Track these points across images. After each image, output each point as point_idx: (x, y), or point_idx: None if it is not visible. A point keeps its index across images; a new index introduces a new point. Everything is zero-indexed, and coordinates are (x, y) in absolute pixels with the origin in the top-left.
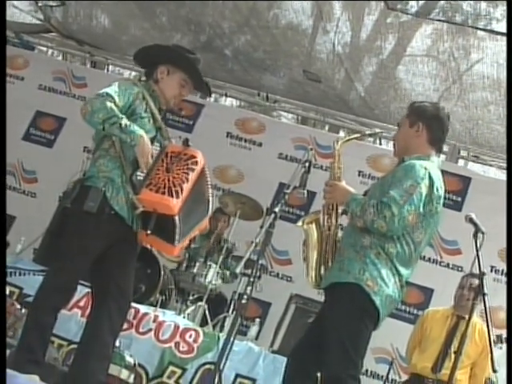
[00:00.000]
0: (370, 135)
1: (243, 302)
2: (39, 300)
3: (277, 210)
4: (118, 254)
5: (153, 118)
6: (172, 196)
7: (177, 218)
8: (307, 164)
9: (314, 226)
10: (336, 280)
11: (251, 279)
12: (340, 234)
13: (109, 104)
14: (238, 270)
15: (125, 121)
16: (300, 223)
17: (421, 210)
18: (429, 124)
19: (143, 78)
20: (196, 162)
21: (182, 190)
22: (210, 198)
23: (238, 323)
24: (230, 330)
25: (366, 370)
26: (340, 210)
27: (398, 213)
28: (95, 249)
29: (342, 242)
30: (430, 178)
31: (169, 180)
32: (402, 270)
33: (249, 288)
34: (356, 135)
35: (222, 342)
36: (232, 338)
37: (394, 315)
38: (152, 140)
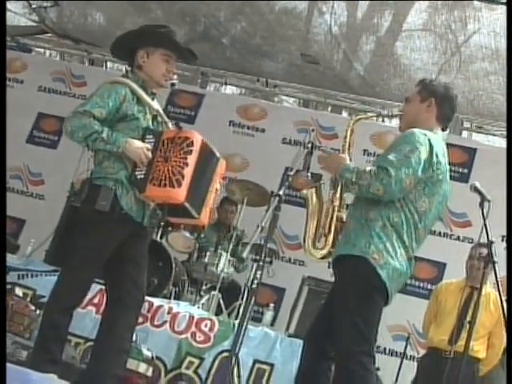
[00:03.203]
0: (386, 116)
1: (253, 286)
2: (54, 300)
3: (281, 192)
4: (131, 249)
5: (148, 110)
6: (173, 186)
7: (186, 203)
8: (309, 145)
9: (314, 192)
10: (342, 252)
11: (260, 263)
12: (344, 210)
13: (86, 121)
14: (244, 255)
15: (105, 132)
16: (304, 191)
17: (419, 173)
18: (440, 101)
19: (129, 69)
20: (192, 143)
21: (183, 177)
22: (219, 159)
23: (250, 308)
24: (243, 315)
25: (384, 348)
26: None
27: (395, 175)
28: (108, 247)
29: (349, 215)
30: (430, 144)
31: (168, 170)
32: (408, 242)
33: (259, 272)
34: (371, 114)
35: None
36: (245, 324)
37: (408, 292)
38: (144, 133)
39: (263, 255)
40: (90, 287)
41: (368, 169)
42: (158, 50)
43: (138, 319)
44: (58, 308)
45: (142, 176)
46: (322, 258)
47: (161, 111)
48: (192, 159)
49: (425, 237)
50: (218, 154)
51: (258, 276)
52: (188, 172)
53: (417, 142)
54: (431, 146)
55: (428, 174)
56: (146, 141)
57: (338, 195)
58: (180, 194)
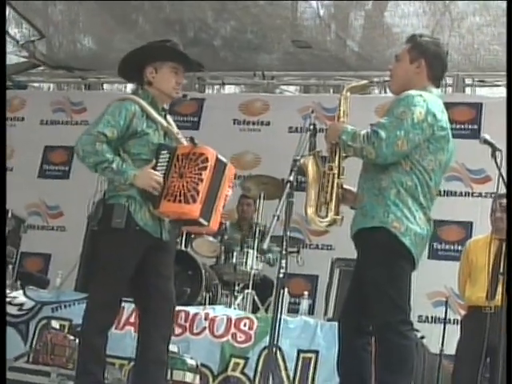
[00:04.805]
0: (378, 82)
1: (280, 276)
2: (86, 323)
3: (291, 178)
4: (152, 262)
5: (160, 126)
6: (188, 202)
7: (201, 219)
8: (311, 127)
9: (310, 161)
10: (361, 226)
11: (283, 253)
12: (343, 177)
13: (98, 146)
14: (265, 246)
15: (116, 163)
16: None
17: (413, 135)
18: (430, 61)
19: (139, 86)
20: (206, 159)
21: (198, 193)
22: (226, 164)
23: (282, 299)
24: (275, 306)
25: (427, 317)
26: (343, 154)
27: (386, 137)
28: (129, 263)
29: (360, 188)
30: (426, 104)
31: (183, 186)
32: (425, 203)
33: (283, 261)
34: (363, 82)
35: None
36: (279, 314)
37: (440, 256)
38: (158, 149)
39: (284, 244)
40: (118, 305)
41: (363, 132)
42: (166, 64)
43: (172, 329)
44: (92, 330)
45: (156, 192)
46: (328, 225)
47: (171, 129)
48: (207, 175)
49: (436, 195)
50: (225, 160)
51: (284, 265)
52: (203, 188)
53: (411, 103)
54: (427, 107)
55: (429, 133)
56: (161, 156)
57: (336, 163)
58: (195, 209)
